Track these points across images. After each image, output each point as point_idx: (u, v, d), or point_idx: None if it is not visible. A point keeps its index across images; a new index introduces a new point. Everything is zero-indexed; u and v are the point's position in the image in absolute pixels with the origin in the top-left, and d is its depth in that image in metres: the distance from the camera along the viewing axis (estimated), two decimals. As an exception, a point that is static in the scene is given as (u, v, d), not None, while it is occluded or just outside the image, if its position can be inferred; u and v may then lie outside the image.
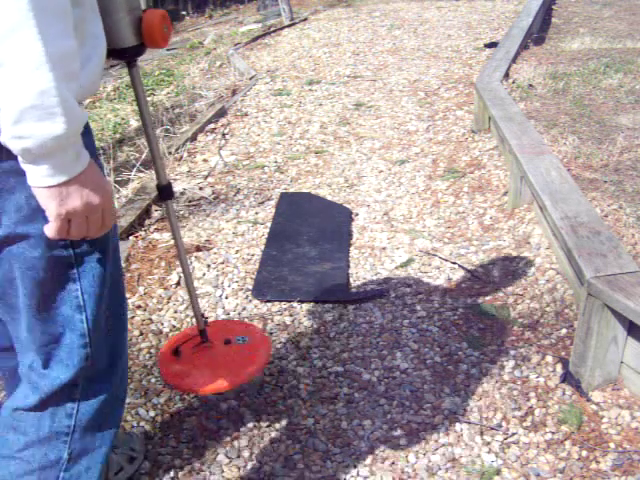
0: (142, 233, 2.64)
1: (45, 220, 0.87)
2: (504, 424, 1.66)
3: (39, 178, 0.81)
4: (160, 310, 2.17)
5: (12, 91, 0.73)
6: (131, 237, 2.59)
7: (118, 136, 4.14)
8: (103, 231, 0.93)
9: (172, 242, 2.49)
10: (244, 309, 2.18)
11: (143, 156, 3.37)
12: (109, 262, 1.02)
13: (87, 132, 0.93)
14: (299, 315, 2.13)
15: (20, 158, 0.81)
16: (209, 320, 1.90)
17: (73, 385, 1.03)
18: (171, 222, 1.43)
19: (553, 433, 1.61)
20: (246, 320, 2.11)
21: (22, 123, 0.75)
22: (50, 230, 0.87)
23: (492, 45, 5.21)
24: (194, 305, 1.60)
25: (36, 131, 0.76)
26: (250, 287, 2.29)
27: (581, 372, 1.73)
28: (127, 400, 1.47)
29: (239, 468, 1.56)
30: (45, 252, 0.93)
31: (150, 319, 2.12)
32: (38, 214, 0.88)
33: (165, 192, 1.35)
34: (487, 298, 2.17)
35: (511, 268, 2.31)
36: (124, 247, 2.50)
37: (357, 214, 2.83)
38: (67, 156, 0.81)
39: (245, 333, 1.69)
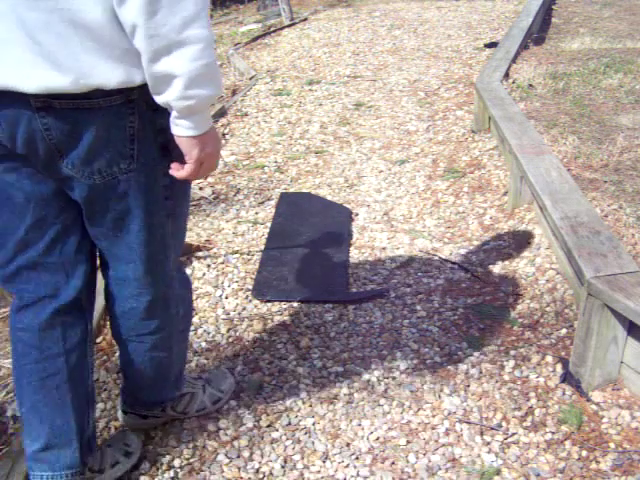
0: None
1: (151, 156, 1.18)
2: (504, 424, 1.66)
3: (188, 130, 1.09)
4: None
5: (188, 63, 1.00)
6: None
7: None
8: (214, 170, 1.24)
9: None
10: (244, 309, 2.18)
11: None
12: (185, 190, 1.34)
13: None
14: (299, 315, 2.13)
15: (175, 114, 1.08)
16: None
17: (171, 270, 1.38)
18: None
19: (553, 433, 1.61)
20: (246, 320, 2.12)
21: (192, 88, 1.02)
22: (187, 171, 1.16)
23: (492, 45, 5.21)
24: None
25: (201, 92, 1.03)
26: (250, 287, 2.29)
27: (581, 372, 1.73)
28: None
29: (239, 468, 1.56)
30: (153, 186, 1.22)
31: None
32: (150, 151, 1.18)
33: None
34: (487, 298, 2.17)
35: (511, 268, 2.31)
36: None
37: (357, 214, 2.83)
38: (208, 113, 1.11)
39: None
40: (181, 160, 1.18)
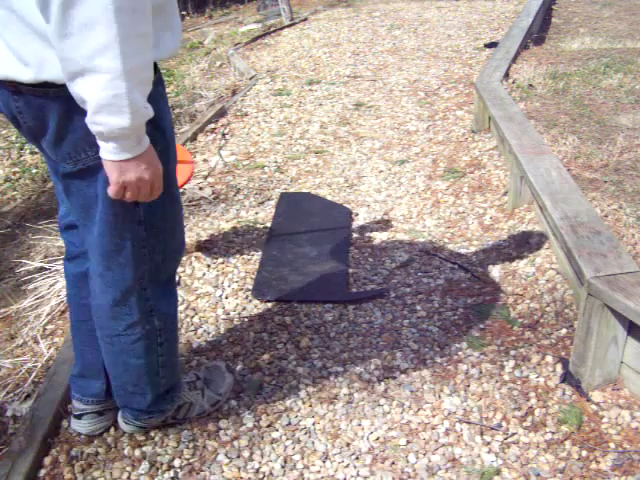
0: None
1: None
2: (504, 424, 1.66)
3: (107, 153, 1.10)
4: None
5: (96, 91, 1.00)
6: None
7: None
8: (151, 199, 1.21)
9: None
10: (244, 309, 2.18)
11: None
12: (165, 192, 1.30)
13: (166, 117, 1.27)
14: (299, 315, 2.13)
15: (96, 136, 1.09)
16: None
17: (140, 277, 1.37)
18: None
19: (553, 433, 1.61)
20: (246, 320, 2.11)
21: (100, 114, 1.03)
22: (110, 191, 1.16)
23: (492, 45, 5.21)
24: None
25: (108, 121, 1.03)
26: (250, 287, 2.29)
27: (581, 372, 1.73)
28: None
29: (239, 468, 1.56)
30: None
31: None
32: None
33: None
34: (487, 298, 2.17)
35: (511, 268, 2.31)
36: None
37: (357, 214, 2.83)
38: (130, 141, 1.08)
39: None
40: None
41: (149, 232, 1.33)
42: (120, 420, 1.64)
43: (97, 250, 1.34)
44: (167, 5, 1.19)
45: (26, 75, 1.10)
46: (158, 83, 1.24)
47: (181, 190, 3.02)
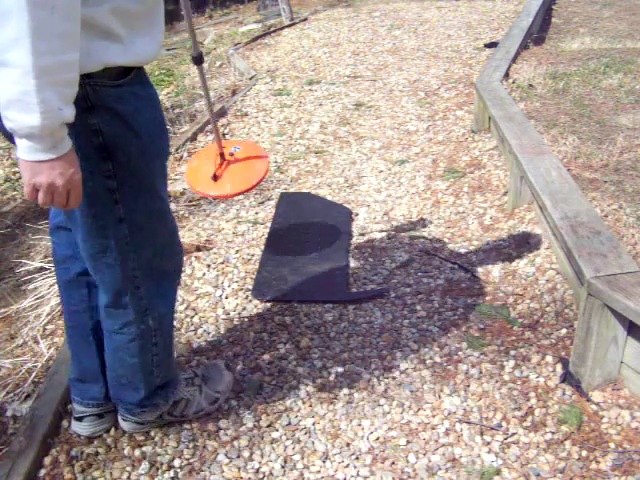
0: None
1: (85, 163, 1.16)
2: (504, 424, 1.66)
3: (20, 151, 1.06)
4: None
5: (5, 85, 0.98)
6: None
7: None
8: (68, 207, 1.15)
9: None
10: (244, 309, 2.18)
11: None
12: (145, 191, 1.31)
13: (157, 119, 1.28)
14: (299, 315, 2.13)
15: (11, 132, 1.05)
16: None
17: (130, 276, 1.37)
18: (202, 81, 1.91)
19: (553, 433, 1.61)
20: (246, 320, 2.12)
21: (9, 110, 1.00)
22: (24, 192, 1.12)
23: (492, 45, 5.21)
24: (216, 131, 1.99)
25: (17, 118, 1.00)
26: (250, 287, 2.29)
27: (581, 372, 1.73)
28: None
29: (239, 468, 1.56)
30: (93, 183, 1.21)
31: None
32: (84, 152, 1.17)
33: (198, 59, 1.85)
34: (487, 298, 2.17)
35: (511, 268, 2.31)
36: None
37: (357, 214, 2.83)
38: (44, 143, 1.04)
39: (235, 144, 2.08)
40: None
41: (132, 229, 1.32)
42: (119, 418, 1.65)
43: (84, 253, 1.35)
44: (148, 14, 1.18)
45: None
46: (134, 83, 1.22)
47: (181, 190, 3.02)
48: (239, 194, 2.08)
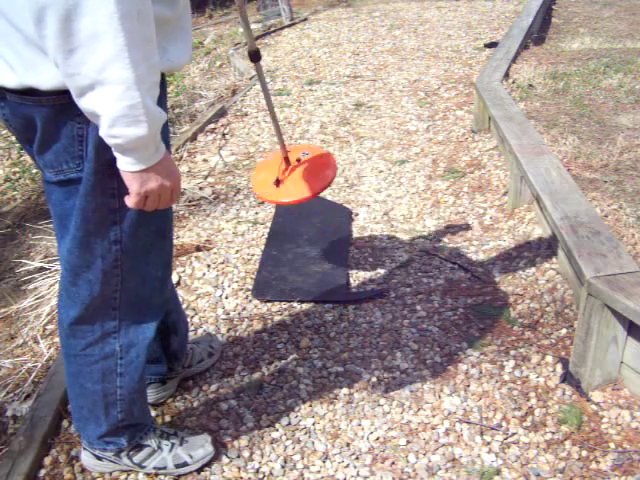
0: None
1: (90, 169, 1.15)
2: (504, 424, 1.66)
3: (126, 165, 1.05)
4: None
5: (109, 104, 0.96)
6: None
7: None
8: (170, 204, 1.17)
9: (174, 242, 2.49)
10: (244, 309, 2.18)
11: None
12: (147, 219, 1.26)
13: (164, 126, 1.18)
14: (299, 315, 2.13)
15: (112, 148, 1.04)
16: None
17: (109, 297, 1.31)
18: (261, 81, 1.77)
19: (553, 433, 1.61)
20: (246, 320, 2.12)
21: (115, 127, 0.98)
22: (130, 202, 1.11)
23: (492, 45, 5.21)
24: (279, 135, 1.90)
25: (125, 132, 0.99)
26: (250, 287, 2.29)
27: (581, 372, 1.73)
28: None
29: (239, 468, 1.56)
30: (95, 198, 1.18)
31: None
32: (94, 165, 1.14)
33: (255, 56, 1.71)
34: (487, 298, 2.17)
35: (511, 268, 2.31)
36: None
37: (357, 214, 2.83)
38: (148, 150, 1.04)
39: (304, 150, 2.00)
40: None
41: (125, 254, 1.27)
42: (82, 447, 1.55)
43: (65, 263, 1.28)
44: (176, 21, 1.16)
45: (12, 80, 1.06)
46: (160, 89, 1.20)
47: (181, 190, 3.02)
48: (301, 201, 1.93)
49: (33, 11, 0.90)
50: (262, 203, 2.95)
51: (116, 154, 1.06)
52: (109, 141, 1.02)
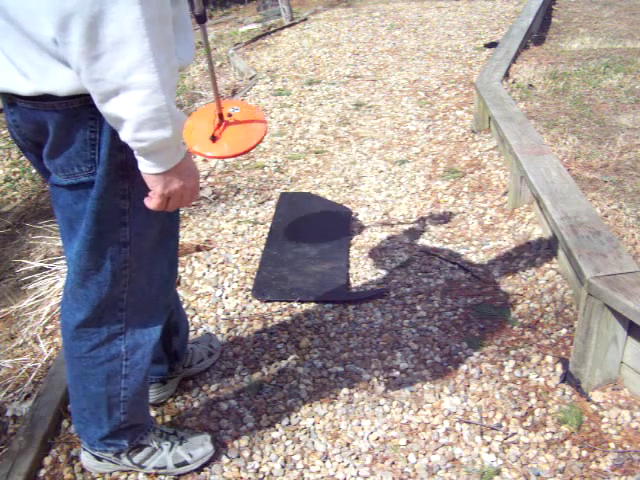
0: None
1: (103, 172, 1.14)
2: (504, 424, 1.66)
3: (150, 168, 1.06)
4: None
5: (135, 108, 0.97)
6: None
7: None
8: (190, 204, 1.20)
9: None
10: (244, 309, 2.18)
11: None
12: (157, 221, 1.28)
13: None
14: (299, 315, 2.13)
15: (135, 152, 1.05)
16: None
17: (117, 299, 1.30)
18: (206, 43, 1.72)
19: (553, 433, 1.61)
20: (246, 320, 2.11)
21: (141, 131, 0.99)
22: (152, 204, 1.12)
23: (492, 45, 5.21)
24: (215, 89, 1.81)
25: (151, 136, 1.00)
26: (250, 287, 2.29)
27: (581, 372, 1.73)
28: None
29: (239, 468, 1.56)
30: (107, 200, 1.18)
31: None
32: (106, 167, 1.13)
33: (201, 18, 1.64)
34: (487, 298, 2.17)
35: (511, 268, 2.31)
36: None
37: (357, 214, 2.83)
38: (170, 152, 1.06)
39: (234, 105, 1.97)
40: (147, 188, 1.16)
41: (134, 255, 1.27)
42: (81, 447, 1.56)
43: (74, 266, 1.27)
44: (178, 19, 1.16)
45: (26, 87, 1.06)
46: None
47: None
48: (236, 156, 2.01)
49: (58, 18, 0.90)
50: (262, 203, 2.95)
51: (139, 157, 1.06)
52: (134, 145, 1.02)
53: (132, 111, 0.97)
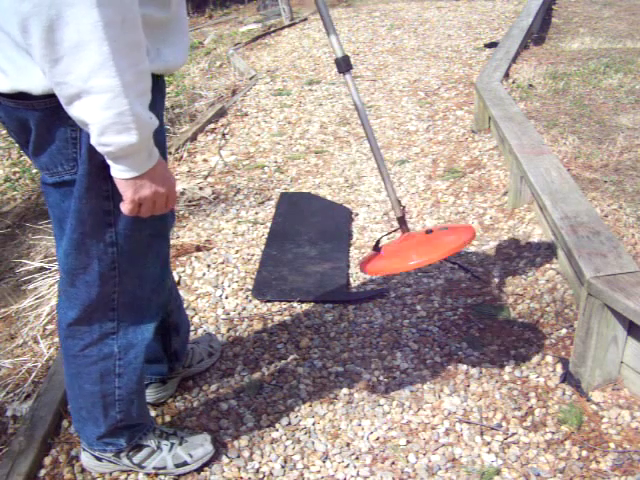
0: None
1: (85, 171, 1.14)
2: (504, 424, 1.66)
3: (119, 172, 1.05)
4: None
5: (97, 112, 0.96)
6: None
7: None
8: (165, 211, 1.16)
9: (174, 242, 2.49)
10: (244, 309, 2.18)
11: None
12: (141, 221, 1.23)
13: (160, 131, 1.16)
14: (299, 315, 2.13)
15: (104, 156, 1.04)
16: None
17: (107, 298, 1.30)
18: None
19: (553, 433, 1.61)
20: (246, 320, 2.12)
21: (105, 135, 0.98)
22: (125, 209, 1.11)
23: (492, 45, 5.21)
24: (389, 190, 1.61)
25: (116, 140, 0.98)
26: (250, 287, 2.29)
27: (581, 372, 1.73)
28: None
29: (239, 468, 1.56)
30: (89, 200, 1.17)
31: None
32: (87, 167, 1.13)
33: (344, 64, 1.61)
34: (487, 298, 2.17)
35: (511, 268, 2.31)
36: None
37: (357, 214, 2.83)
38: (140, 156, 1.04)
39: (446, 225, 1.69)
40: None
41: (121, 256, 1.26)
42: (81, 448, 1.56)
43: (63, 265, 1.28)
44: (170, 22, 1.14)
45: (5, 85, 1.06)
46: (155, 93, 1.18)
47: (181, 190, 3.02)
48: (424, 265, 1.60)
49: (18, 21, 0.90)
50: (262, 203, 2.95)
51: (109, 161, 1.05)
52: (100, 149, 1.02)
53: (95, 115, 0.96)
